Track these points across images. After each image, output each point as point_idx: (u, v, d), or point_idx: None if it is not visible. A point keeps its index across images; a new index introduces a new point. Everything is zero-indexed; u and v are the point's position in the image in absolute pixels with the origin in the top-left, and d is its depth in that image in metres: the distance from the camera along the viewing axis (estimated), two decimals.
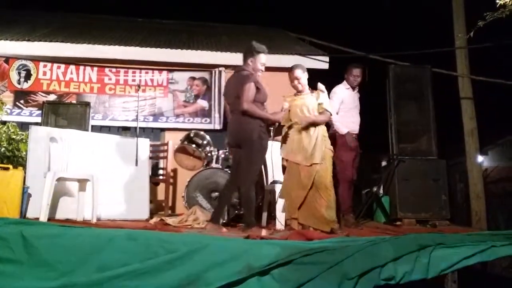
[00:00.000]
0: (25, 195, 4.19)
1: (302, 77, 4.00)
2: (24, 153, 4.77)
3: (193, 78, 7.08)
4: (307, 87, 4.03)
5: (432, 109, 5.51)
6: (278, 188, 4.19)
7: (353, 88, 5.01)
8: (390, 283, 2.54)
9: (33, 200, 4.26)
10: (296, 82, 4.00)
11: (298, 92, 4.02)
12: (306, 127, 3.84)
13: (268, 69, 6.49)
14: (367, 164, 6.60)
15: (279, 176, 4.41)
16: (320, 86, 3.99)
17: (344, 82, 5.04)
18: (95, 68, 6.88)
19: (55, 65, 6.81)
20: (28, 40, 6.78)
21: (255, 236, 3.16)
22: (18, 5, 9.67)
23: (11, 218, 3.49)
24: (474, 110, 6.72)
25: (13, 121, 5.54)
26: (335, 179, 4.32)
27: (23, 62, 6.75)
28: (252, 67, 3.93)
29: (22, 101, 6.66)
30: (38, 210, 4.02)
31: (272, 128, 4.30)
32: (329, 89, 5.17)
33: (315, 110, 3.93)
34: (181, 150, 5.27)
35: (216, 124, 6.96)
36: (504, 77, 6.55)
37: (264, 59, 4.01)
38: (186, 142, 5.16)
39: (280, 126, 4.10)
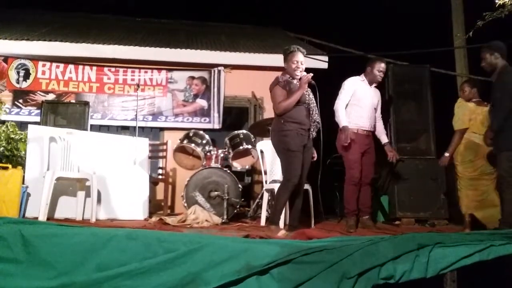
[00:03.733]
0: (24, 195, 4.20)
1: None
2: (23, 152, 4.77)
3: (192, 78, 7.08)
4: None
5: (431, 109, 5.52)
6: (277, 187, 4.17)
7: (370, 83, 4.42)
8: (389, 282, 2.54)
9: (32, 200, 4.27)
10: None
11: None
12: None
13: (266, 68, 6.58)
14: None
15: (279, 175, 4.39)
16: None
17: (362, 74, 4.46)
18: (94, 68, 6.88)
19: (54, 64, 6.80)
20: (27, 39, 6.77)
21: (254, 235, 3.16)
22: (17, 4, 9.65)
23: (10, 217, 3.48)
24: None
25: (12, 121, 5.53)
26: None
27: (22, 61, 6.75)
28: (287, 72, 3.78)
29: (21, 101, 6.66)
30: (37, 209, 4.03)
31: None
32: (327, 89, 5.18)
33: None
34: (180, 149, 5.27)
35: (215, 123, 6.96)
36: None
37: (297, 56, 3.72)
38: (185, 142, 5.16)
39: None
